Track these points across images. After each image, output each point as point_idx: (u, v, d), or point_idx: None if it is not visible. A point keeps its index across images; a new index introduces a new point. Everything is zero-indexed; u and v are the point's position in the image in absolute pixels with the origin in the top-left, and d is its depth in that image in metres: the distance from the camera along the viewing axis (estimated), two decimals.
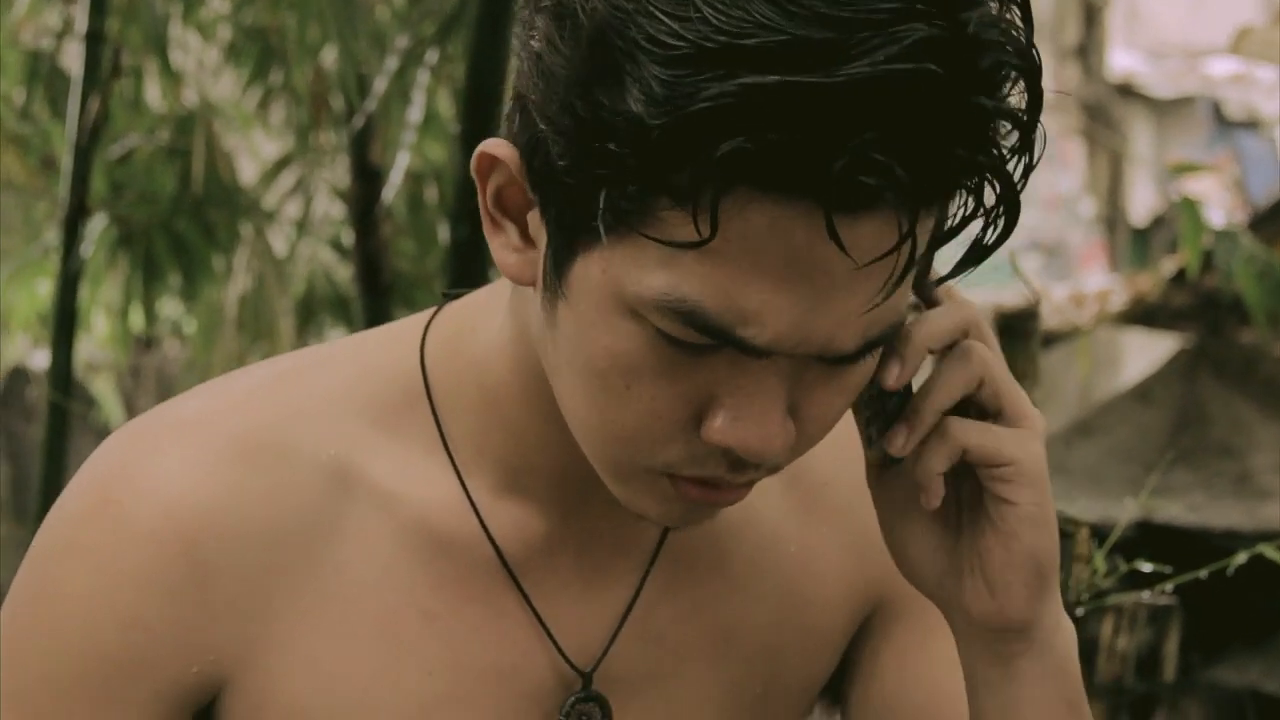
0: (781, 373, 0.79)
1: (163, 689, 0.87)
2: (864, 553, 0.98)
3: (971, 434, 0.85)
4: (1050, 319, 3.84)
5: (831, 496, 1.00)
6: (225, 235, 3.46)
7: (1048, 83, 0.78)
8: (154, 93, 3.56)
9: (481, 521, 0.92)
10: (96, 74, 2.83)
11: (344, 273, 3.47)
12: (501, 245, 0.85)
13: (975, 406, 0.86)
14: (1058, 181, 10.74)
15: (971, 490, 0.88)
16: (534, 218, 0.83)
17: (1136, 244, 10.80)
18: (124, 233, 3.39)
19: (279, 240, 3.69)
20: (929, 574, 0.89)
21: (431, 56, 2.78)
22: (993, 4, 0.76)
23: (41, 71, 3.36)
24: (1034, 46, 0.77)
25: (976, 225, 0.80)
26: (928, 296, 0.87)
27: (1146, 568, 1.55)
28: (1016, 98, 0.77)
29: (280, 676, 0.89)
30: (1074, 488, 3.61)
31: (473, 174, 0.84)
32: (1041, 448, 0.86)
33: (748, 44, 0.71)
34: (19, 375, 6.23)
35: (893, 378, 0.84)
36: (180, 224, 3.37)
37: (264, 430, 0.90)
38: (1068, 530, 1.52)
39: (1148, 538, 3.62)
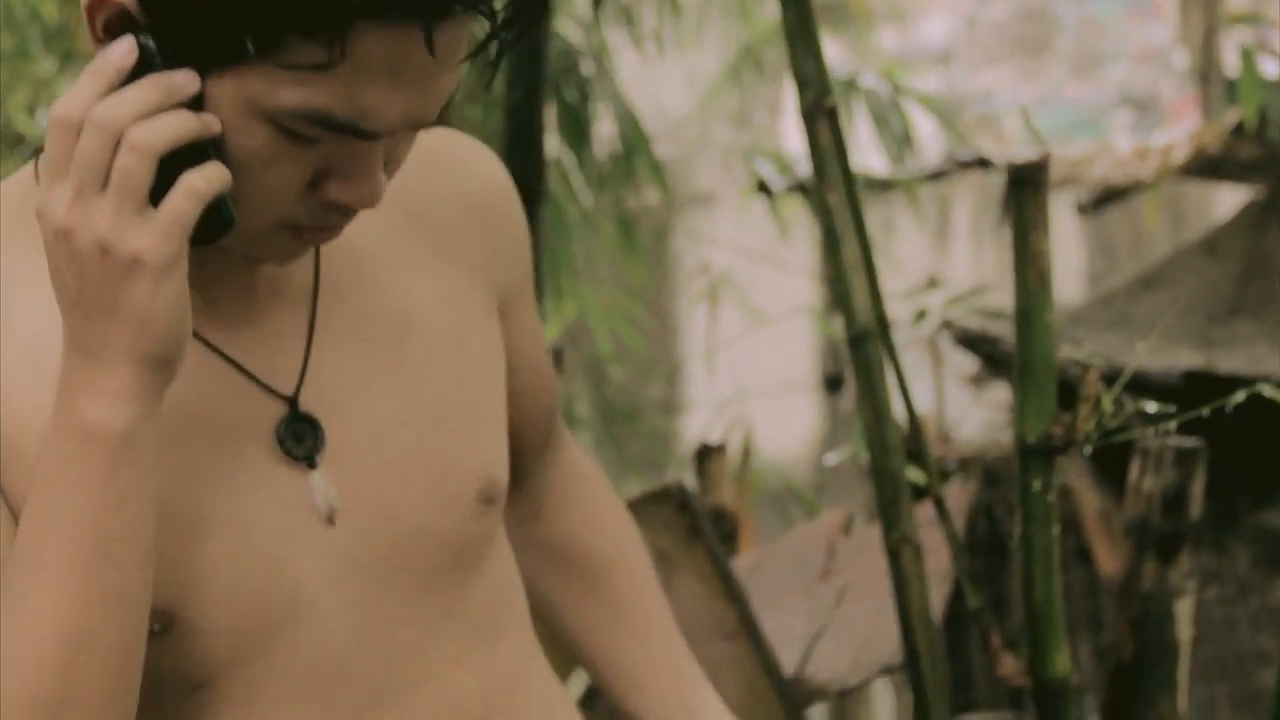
0: (381, 144, 1.02)
1: None
2: (490, 259, 1.21)
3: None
4: (1113, 173, 3.85)
5: (444, 227, 1.19)
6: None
7: None
8: None
9: None
10: None
11: None
12: None
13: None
14: (1149, 34, 10.55)
15: None
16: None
17: (1231, 96, 10.59)
18: None
19: None
20: None
21: None
22: None
23: None
24: None
25: None
26: None
27: (1151, 408, 1.60)
28: None
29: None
30: (1137, 339, 3.64)
31: (83, 12, 0.99)
32: None
33: None
34: None
35: None
36: None
37: None
38: (1075, 373, 1.58)
39: (1210, 388, 3.62)
